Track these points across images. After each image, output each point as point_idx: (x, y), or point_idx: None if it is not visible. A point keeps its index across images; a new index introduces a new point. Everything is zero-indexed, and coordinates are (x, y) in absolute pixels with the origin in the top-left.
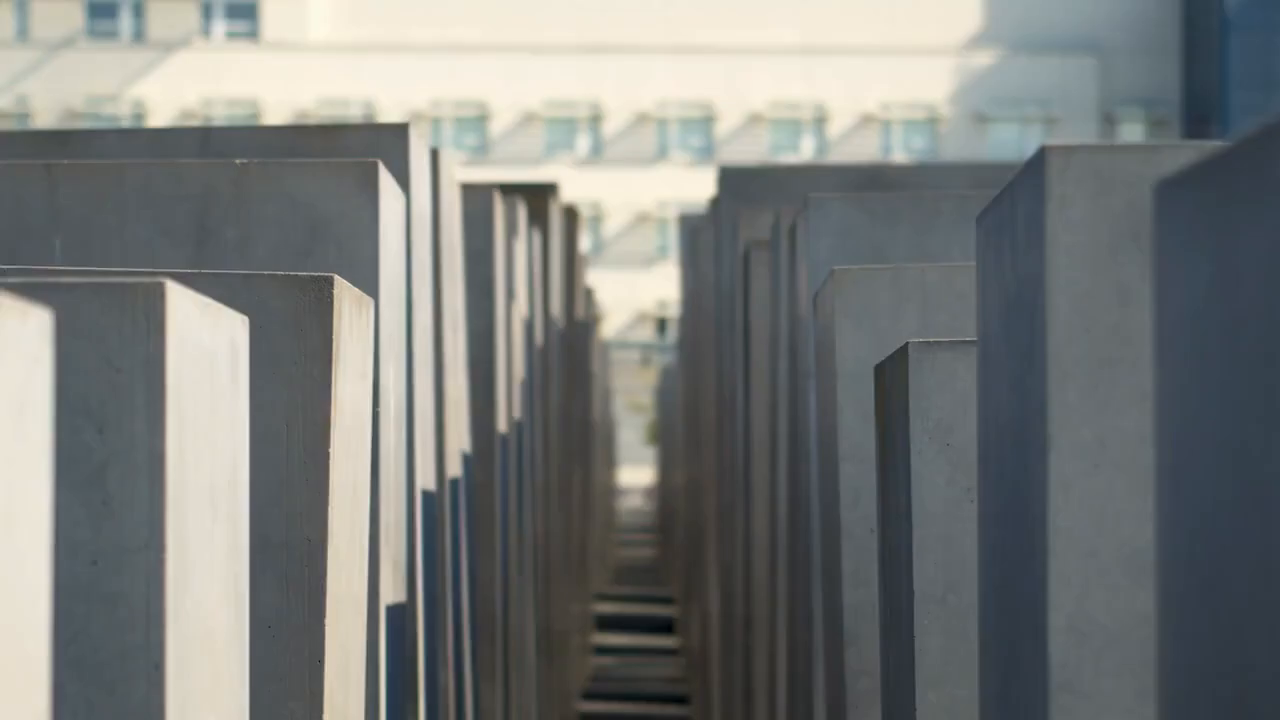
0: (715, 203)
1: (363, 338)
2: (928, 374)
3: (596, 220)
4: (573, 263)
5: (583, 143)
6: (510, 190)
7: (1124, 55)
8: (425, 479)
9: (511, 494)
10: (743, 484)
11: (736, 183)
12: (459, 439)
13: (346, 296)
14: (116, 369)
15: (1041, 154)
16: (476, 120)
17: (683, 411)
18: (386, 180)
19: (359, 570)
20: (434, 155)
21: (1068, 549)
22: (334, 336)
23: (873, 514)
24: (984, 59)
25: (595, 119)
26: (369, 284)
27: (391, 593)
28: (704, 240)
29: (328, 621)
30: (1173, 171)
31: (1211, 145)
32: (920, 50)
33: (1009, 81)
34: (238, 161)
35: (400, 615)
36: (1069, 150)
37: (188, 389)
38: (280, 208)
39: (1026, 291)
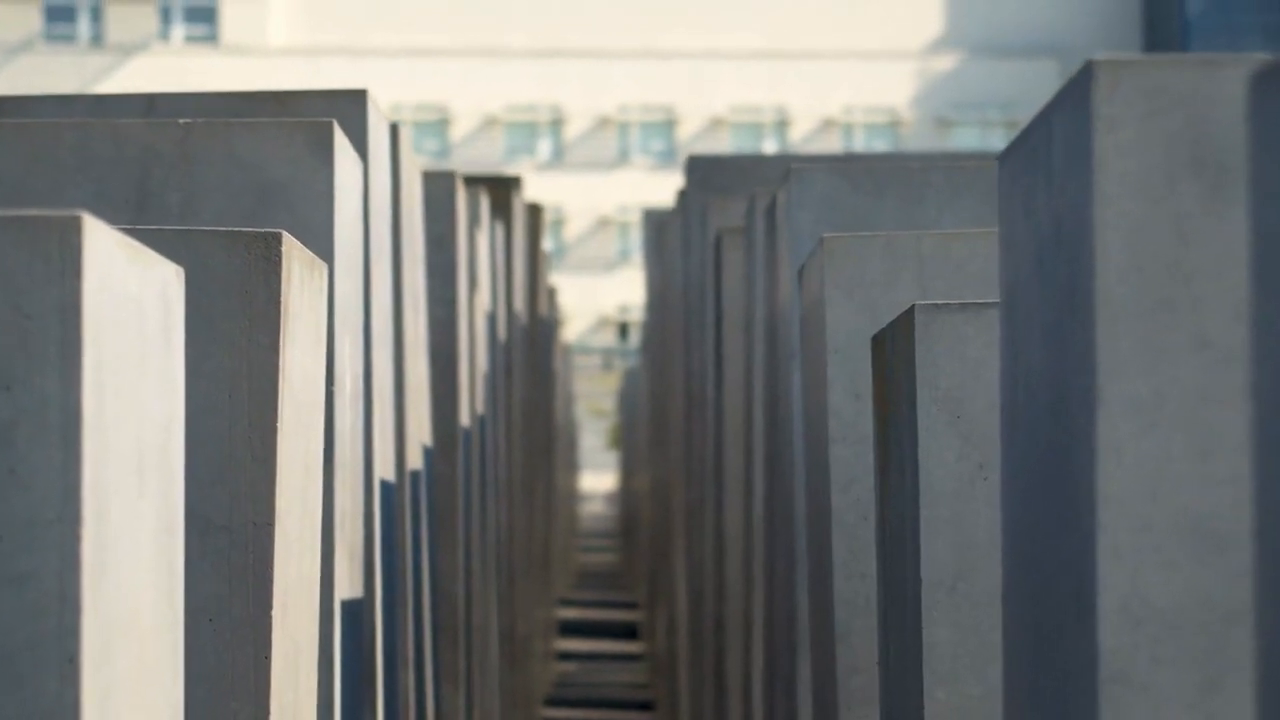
0: (683, 195)
1: (315, 304)
2: (936, 339)
3: (558, 224)
4: (536, 259)
5: (544, 146)
6: (473, 182)
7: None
8: (384, 467)
9: (474, 489)
10: (713, 479)
11: (705, 173)
12: (420, 428)
13: (296, 256)
14: (26, 315)
15: (1087, 70)
16: (437, 124)
17: (648, 412)
18: (342, 142)
19: (310, 558)
20: (394, 130)
21: (1119, 521)
22: (282, 299)
23: (866, 499)
24: (946, 63)
25: (556, 123)
26: (323, 252)
27: (347, 585)
28: (670, 234)
29: (275, 613)
30: (1240, 82)
31: None
32: (882, 54)
33: (971, 85)
34: (181, 121)
35: (357, 610)
36: (1118, 65)
37: (109, 341)
38: (227, 170)
39: (1067, 229)
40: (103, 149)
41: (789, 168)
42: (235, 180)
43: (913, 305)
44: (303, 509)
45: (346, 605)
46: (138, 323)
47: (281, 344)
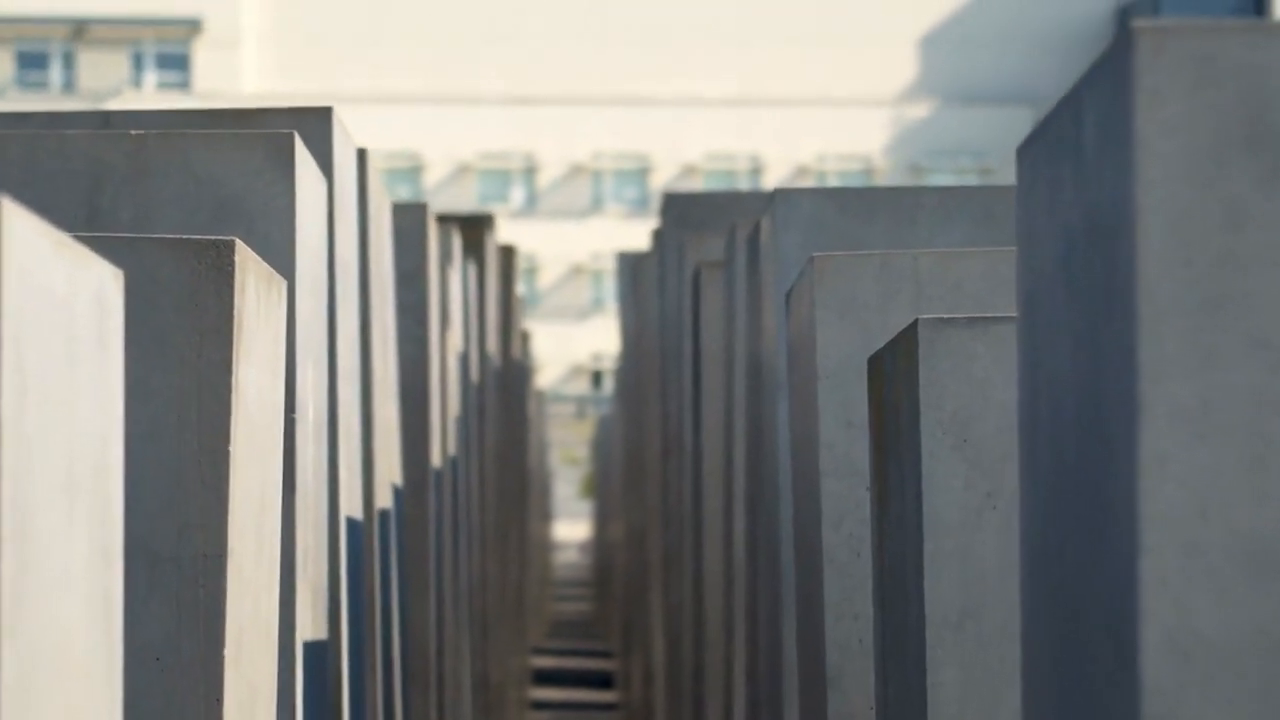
0: (658, 234)
1: (272, 321)
2: (940, 357)
3: (531, 272)
4: (509, 301)
5: (517, 194)
6: (445, 221)
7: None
8: (350, 504)
9: (446, 533)
10: (691, 523)
11: (681, 210)
12: (389, 468)
13: (251, 268)
14: None
15: (1125, 38)
16: (410, 171)
17: (622, 458)
18: (304, 156)
19: (267, 595)
20: (361, 155)
21: (1165, 542)
22: (235, 311)
23: (860, 535)
24: (919, 111)
25: (530, 170)
26: (284, 271)
27: (309, 626)
28: (646, 274)
29: (227, 652)
30: None
31: None
32: (855, 102)
33: (944, 133)
34: (133, 133)
35: (320, 653)
36: (1162, 31)
37: (33, 343)
38: (182, 184)
39: (1102, 220)
40: (50, 162)
41: (774, 192)
42: (191, 195)
43: (915, 320)
44: (259, 542)
45: (309, 648)
46: (67, 324)
47: (235, 361)
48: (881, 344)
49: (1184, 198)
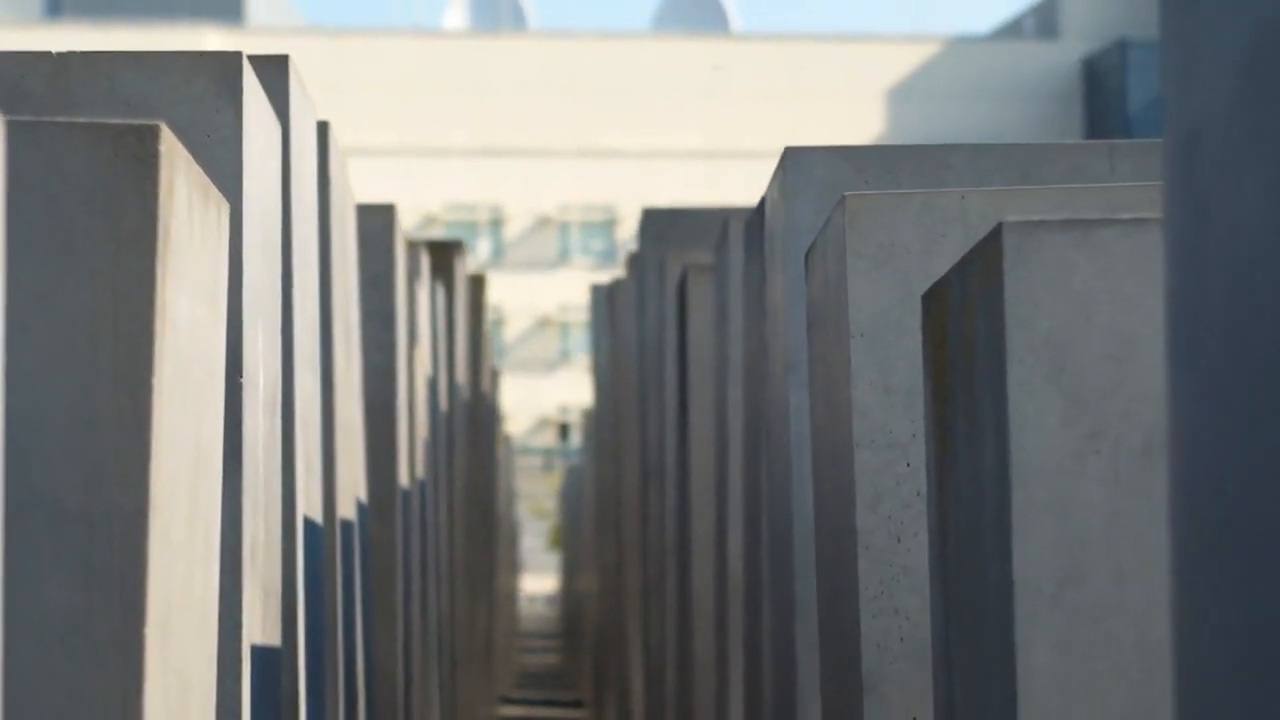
0: (635, 257)
1: (210, 244)
2: (1032, 268)
3: (498, 324)
4: (479, 334)
5: (483, 246)
6: (414, 245)
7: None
8: (309, 505)
9: (414, 562)
10: (675, 548)
11: (661, 227)
12: (353, 476)
13: (182, 167)
14: None
15: None
16: None
17: (594, 501)
18: (253, 86)
19: (204, 573)
20: (322, 128)
21: None
22: (159, 214)
23: (900, 517)
24: None
25: (496, 222)
26: (230, 219)
27: (260, 630)
28: (622, 299)
29: (150, 633)
30: None
31: None
32: None
33: None
34: (54, 52)
35: (272, 663)
36: None
37: None
38: (110, 112)
39: None
40: None
41: (783, 152)
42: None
43: (999, 224)
44: (192, 504)
45: (260, 655)
46: None
47: (160, 276)
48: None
49: None
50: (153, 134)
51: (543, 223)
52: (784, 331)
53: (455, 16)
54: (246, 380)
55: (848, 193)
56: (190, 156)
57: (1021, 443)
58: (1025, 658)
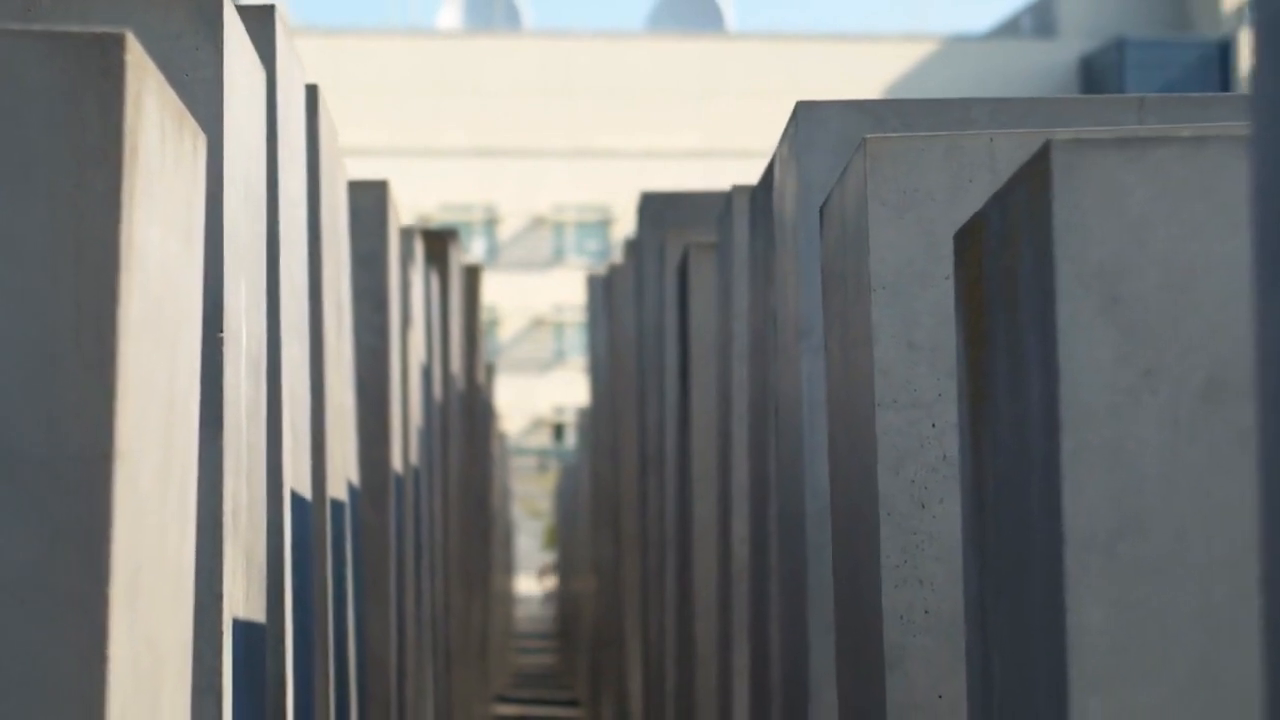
0: (633, 243)
1: (185, 173)
2: (1083, 189)
3: (492, 325)
4: (474, 325)
5: (478, 245)
6: (408, 232)
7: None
8: (297, 479)
9: (409, 550)
10: (676, 539)
11: (659, 210)
12: (344, 458)
13: (153, 85)
14: None
15: None
16: None
17: (590, 496)
18: (234, 22)
19: (178, 530)
20: (312, 91)
21: None
22: (126, 131)
23: (925, 480)
24: None
25: (491, 222)
26: (210, 162)
27: (243, 602)
28: (620, 284)
29: (116, 591)
30: None
31: None
32: None
33: None
34: None
35: (256, 639)
36: None
37: None
38: None
39: None
40: None
41: (795, 106)
42: None
43: (1047, 142)
44: (165, 455)
45: (243, 629)
46: None
47: (127, 199)
48: (949, 245)
49: None
50: (117, 43)
51: (538, 222)
52: (796, 297)
53: (449, 16)
54: (228, 336)
55: (869, 135)
56: (162, 77)
57: (1072, 382)
58: (1077, 617)
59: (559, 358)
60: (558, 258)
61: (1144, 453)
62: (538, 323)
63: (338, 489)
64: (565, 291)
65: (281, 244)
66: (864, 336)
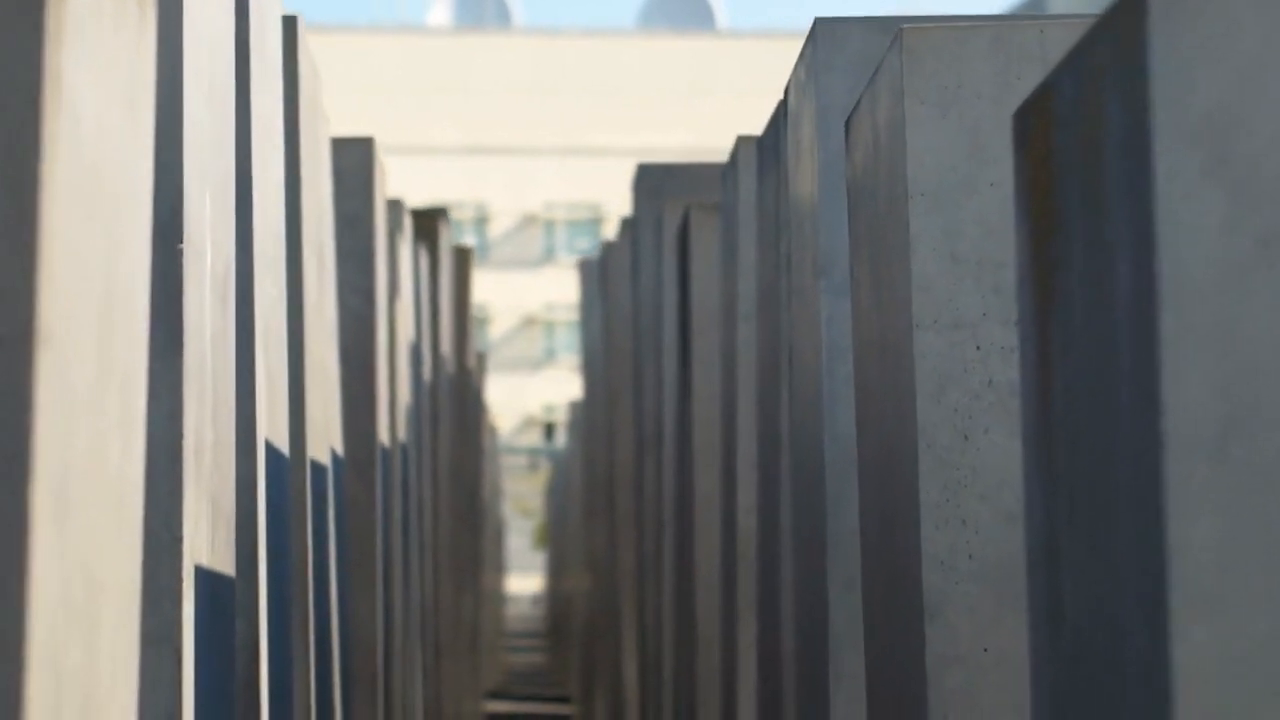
0: (628, 222)
1: (129, 40)
2: (1185, 27)
3: (483, 323)
4: (464, 307)
5: (468, 243)
6: (396, 204)
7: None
8: (273, 430)
9: (395, 527)
10: (674, 517)
11: (657, 182)
12: (326, 421)
13: None
14: None
15: None
16: None
17: (582, 489)
18: None
19: (119, 442)
20: (290, 22)
21: None
22: None
23: (969, 408)
24: None
25: (481, 220)
26: (167, 64)
27: (207, 551)
28: (615, 263)
29: (38, 501)
30: None
31: None
32: None
33: None
34: None
35: (224, 594)
36: None
37: None
38: None
39: None
40: None
41: (814, 23)
42: None
43: None
44: (102, 352)
45: (208, 580)
46: None
47: (49, 38)
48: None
49: None
50: None
51: (528, 221)
52: (815, 232)
53: (439, 14)
54: (189, 248)
55: (905, 27)
56: None
57: (1174, 254)
58: (1179, 530)
59: (550, 356)
60: (548, 256)
61: (1260, 336)
62: (528, 321)
63: (319, 452)
64: (556, 290)
65: (255, 166)
66: (900, 250)
